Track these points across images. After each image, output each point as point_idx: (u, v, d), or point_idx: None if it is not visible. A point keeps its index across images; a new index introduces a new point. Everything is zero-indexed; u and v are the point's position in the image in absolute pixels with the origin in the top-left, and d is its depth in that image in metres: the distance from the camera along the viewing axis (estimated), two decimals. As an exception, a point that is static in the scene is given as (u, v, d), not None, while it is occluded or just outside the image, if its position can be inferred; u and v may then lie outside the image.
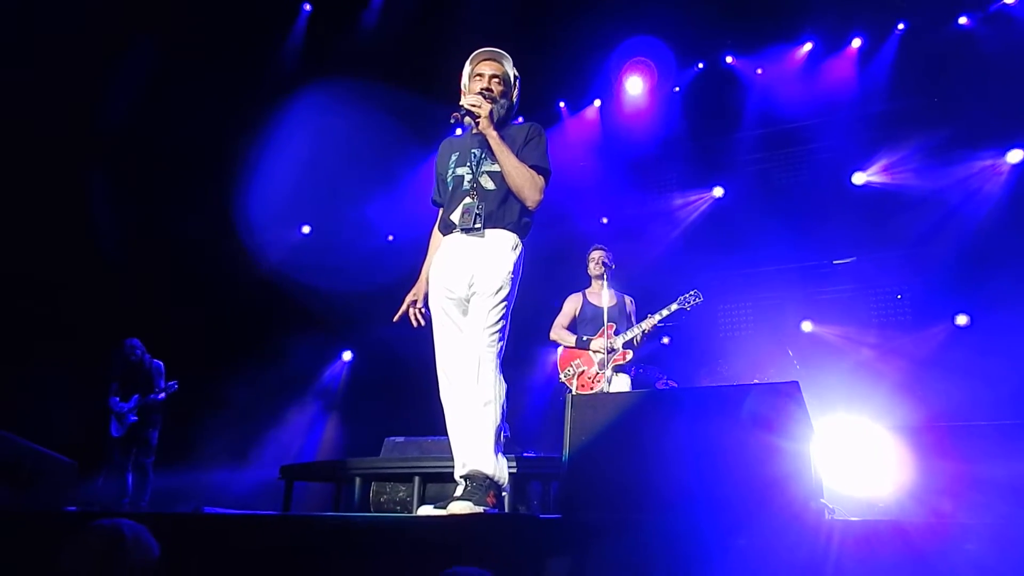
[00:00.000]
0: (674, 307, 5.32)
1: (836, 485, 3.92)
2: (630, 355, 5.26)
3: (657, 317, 5.26)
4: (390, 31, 8.67)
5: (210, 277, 8.06)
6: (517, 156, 3.14)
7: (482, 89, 3.22)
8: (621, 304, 5.45)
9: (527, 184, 3.12)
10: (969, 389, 6.09)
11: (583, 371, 5.34)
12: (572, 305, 5.62)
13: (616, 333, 5.27)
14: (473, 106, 3.11)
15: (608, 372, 5.14)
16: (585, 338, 5.38)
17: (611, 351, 5.19)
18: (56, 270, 7.16)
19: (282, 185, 8.57)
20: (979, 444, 3.16)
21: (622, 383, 5.24)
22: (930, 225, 7.36)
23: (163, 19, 7.37)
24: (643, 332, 5.25)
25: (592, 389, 5.20)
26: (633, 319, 5.46)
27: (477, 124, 3.12)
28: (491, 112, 3.13)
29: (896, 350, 7.31)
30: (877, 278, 7.87)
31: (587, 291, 5.60)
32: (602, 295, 5.32)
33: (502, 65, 3.30)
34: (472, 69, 3.31)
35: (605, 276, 5.31)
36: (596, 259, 5.48)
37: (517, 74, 3.34)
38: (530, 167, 3.14)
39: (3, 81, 6.37)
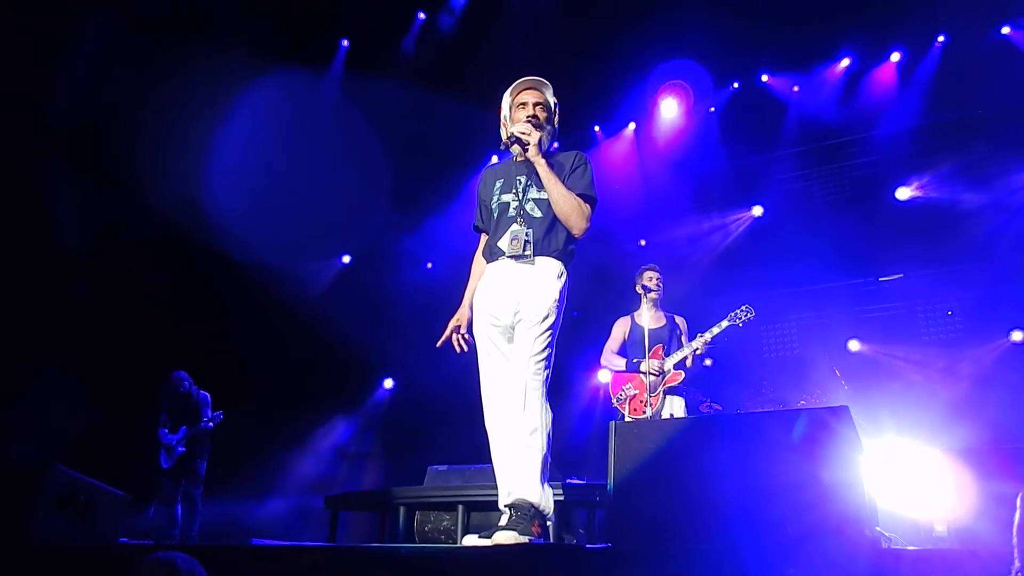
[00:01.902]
0: (725, 324, 5.21)
1: (891, 511, 3.82)
2: (682, 376, 5.15)
3: (708, 335, 5.14)
4: (426, 60, 8.83)
5: (253, 308, 8.20)
6: (563, 184, 3.16)
7: (528, 117, 3.24)
8: (671, 325, 5.35)
9: (575, 212, 3.13)
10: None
11: (635, 395, 5.23)
12: (621, 329, 5.54)
13: (667, 354, 5.18)
14: (523, 134, 3.15)
15: (660, 395, 5.06)
16: (635, 360, 5.26)
17: (662, 373, 5.11)
18: (102, 303, 7.37)
19: (322, 215, 8.74)
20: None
21: (676, 405, 5.13)
22: (980, 238, 7.15)
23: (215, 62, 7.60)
24: (695, 352, 5.11)
25: (644, 413, 5.09)
26: (684, 339, 5.34)
27: (526, 151, 3.16)
28: (539, 140, 3.16)
29: (949, 368, 7.08)
30: (926, 294, 7.66)
31: (635, 314, 5.49)
32: (651, 316, 5.25)
33: (543, 93, 3.33)
34: (513, 99, 3.34)
35: (654, 296, 5.25)
36: (654, 279, 5.37)
37: (556, 101, 3.37)
38: (577, 195, 3.16)
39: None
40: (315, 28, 8.51)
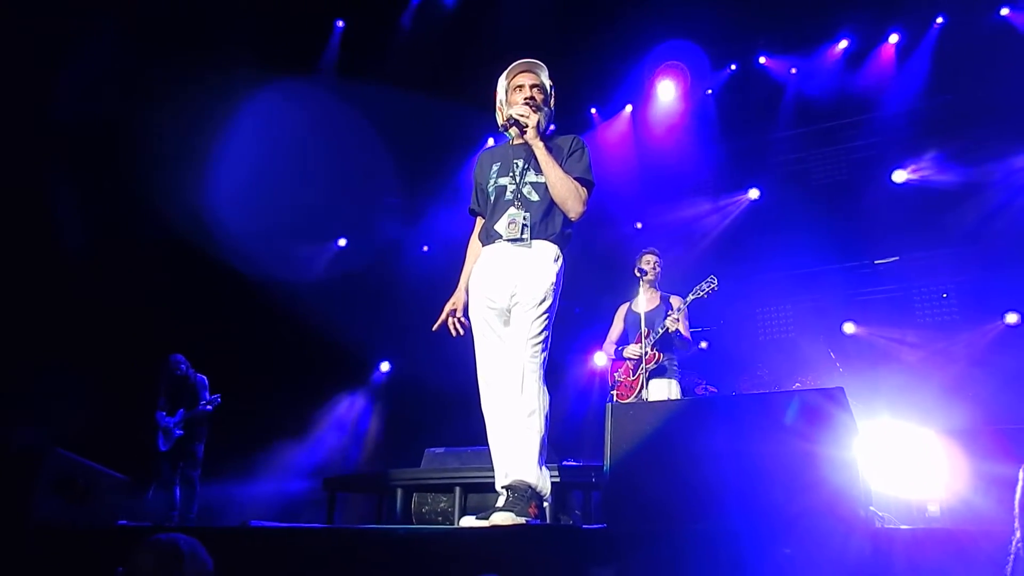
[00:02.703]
0: (690, 298, 5.22)
1: (885, 491, 3.85)
2: (659, 358, 5.11)
3: (675, 313, 5.15)
4: (423, 41, 8.75)
5: (249, 292, 8.19)
6: (561, 167, 3.16)
7: (526, 99, 3.23)
8: (663, 306, 5.32)
9: (571, 196, 3.13)
10: (1022, 390, 5.91)
11: (623, 380, 5.29)
12: (620, 316, 5.57)
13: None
14: (521, 116, 3.14)
15: (641, 378, 5.08)
16: (619, 348, 5.33)
17: (643, 356, 5.12)
18: (96, 286, 7.36)
19: (318, 198, 8.71)
20: (1034, 447, 3.07)
21: (659, 388, 5.12)
22: (975, 221, 7.16)
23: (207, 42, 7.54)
24: (667, 330, 5.07)
25: (629, 397, 5.15)
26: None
27: (524, 134, 3.15)
28: (537, 122, 3.16)
29: (943, 351, 7.12)
30: (921, 277, 7.68)
31: (634, 299, 5.49)
32: (646, 299, 5.26)
33: (539, 75, 3.32)
34: (509, 82, 3.33)
35: (650, 278, 5.27)
36: (651, 262, 5.37)
37: (552, 83, 3.36)
38: (575, 179, 3.16)
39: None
40: (310, 9, 8.44)
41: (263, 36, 7.63)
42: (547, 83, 3.34)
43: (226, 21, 7.41)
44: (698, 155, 8.86)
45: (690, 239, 8.60)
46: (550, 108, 3.34)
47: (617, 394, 5.26)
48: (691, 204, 8.88)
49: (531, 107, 3.19)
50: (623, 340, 5.45)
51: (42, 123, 6.95)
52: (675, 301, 5.35)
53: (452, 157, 9.18)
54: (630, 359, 5.21)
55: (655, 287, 5.43)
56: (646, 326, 5.15)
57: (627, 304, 5.54)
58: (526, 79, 3.29)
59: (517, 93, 3.27)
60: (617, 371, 5.36)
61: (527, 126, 3.13)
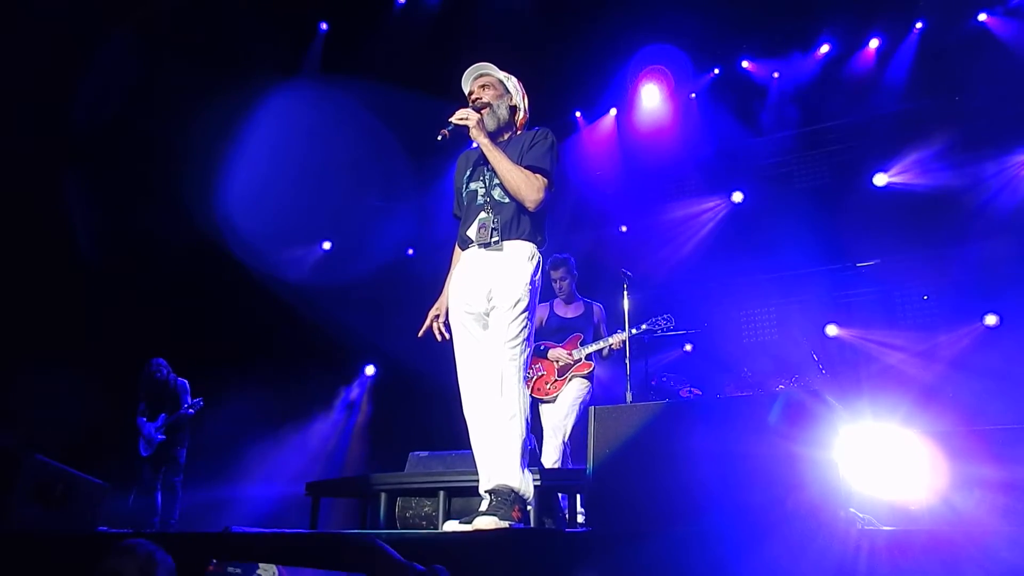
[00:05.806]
0: (644, 327, 5.43)
1: (866, 492, 3.87)
2: (592, 367, 5.32)
3: (624, 335, 5.28)
4: (407, 44, 8.74)
5: (233, 294, 8.14)
6: (521, 160, 3.15)
7: (472, 100, 3.27)
8: (588, 313, 5.50)
9: (523, 184, 3.09)
10: (1001, 391, 5.98)
11: (541, 375, 5.38)
12: (538, 315, 5.63)
13: (582, 344, 5.36)
14: (461, 119, 3.13)
15: (567, 380, 5.29)
16: (543, 347, 5.41)
17: (576, 361, 5.29)
18: (79, 288, 7.28)
19: (302, 201, 8.67)
20: (1013, 448, 3.10)
21: (579, 387, 5.29)
22: (956, 224, 7.24)
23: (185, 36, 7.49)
24: (610, 347, 5.29)
25: (548, 395, 5.32)
26: (603, 328, 5.51)
27: (469, 134, 3.16)
28: (480, 120, 3.15)
29: (924, 352, 7.19)
30: (903, 279, 7.76)
31: (554, 301, 5.63)
32: (568, 306, 5.50)
33: (487, 75, 3.34)
34: (467, 94, 3.37)
35: (562, 290, 5.46)
36: (555, 279, 5.50)
37: (508, 75, 3.37)
38: (525, 167, 3.13)
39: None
40: (293, 10, 8.41)
41: (246, 37, 7.60)
42: (499, 76, 3.35)
43: (205, 21, 7.38)
44: (682, 158, 8.91)
45: (674, 242, 8.63)
46: (510, 102, 3.34)
47: (534, 388, 5.36)
48: (675, 207, 8.92)
49: (473, 108, 3.20)
50: (536, 337, 5.55)
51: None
52: (598, 309, 5.56)
53: (438, 159, 9.16)
54: (558, 360, 5.35)
55: (573, 295, 5.57)
56: (573, 332, 5.38)
57: (546, 305, 5.63)
58: (474, 85, 3.33)
59: (470, 100, 3.31)
60: (535, 365, 5.43)
61: (468, 126, 3.12)
